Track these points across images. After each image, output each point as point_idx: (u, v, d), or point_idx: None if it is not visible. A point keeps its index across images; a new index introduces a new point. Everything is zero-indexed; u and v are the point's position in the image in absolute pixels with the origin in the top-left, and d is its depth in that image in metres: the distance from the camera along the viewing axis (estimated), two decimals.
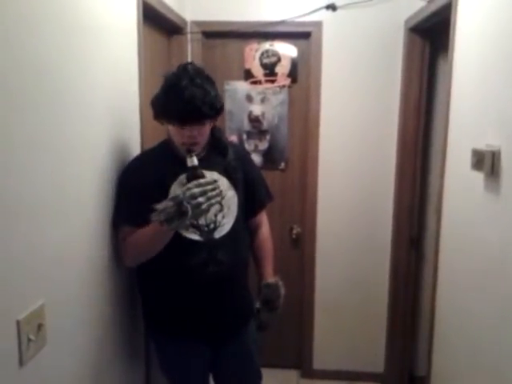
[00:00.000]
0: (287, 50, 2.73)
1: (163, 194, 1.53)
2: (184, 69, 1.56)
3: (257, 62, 2.74)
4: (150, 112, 2.05)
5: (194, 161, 1.50)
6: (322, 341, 2.96)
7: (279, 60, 2.73)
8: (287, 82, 2.75)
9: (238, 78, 2.77)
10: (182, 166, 1.55)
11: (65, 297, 1.31)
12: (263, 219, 1.94)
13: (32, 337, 1.12)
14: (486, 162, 1.45)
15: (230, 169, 1.70)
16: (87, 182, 1.46)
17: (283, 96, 2.77)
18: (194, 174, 1.48)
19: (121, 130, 1.74)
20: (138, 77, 1.89)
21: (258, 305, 1.81)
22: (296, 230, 2.91)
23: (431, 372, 2.05)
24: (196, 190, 1.41)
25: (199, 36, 2.68)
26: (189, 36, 2.65)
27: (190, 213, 1.40)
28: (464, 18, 1.77)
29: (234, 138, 2.81)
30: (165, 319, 1.75)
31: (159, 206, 1.41)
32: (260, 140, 2.82)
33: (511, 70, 1.37)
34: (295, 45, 2.73)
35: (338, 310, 2.93)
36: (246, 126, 2.82)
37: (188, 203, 1.39)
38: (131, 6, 1.83)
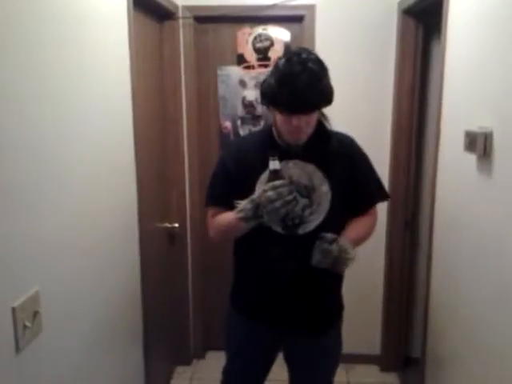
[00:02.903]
0: (280, 34, 2.71)
1: (255, 180, 1.56)
2: (297, 54, 1.45)
3: (250, 47, 2.72)
4: (142, 99, 2.05)
5: (275, 164, 1.45)
6: None
7: (272, 44, 2.71)
8: None
9: (230, 63, 2.75)
10: (279, 154, 1.49)
11: (60, 284, 1.32)
12: (371, 212, 1.76)
13: (28, 324, 1.12)
14: (479, 144, 1.45)
15: (329, 162, 1.60)
16: (83, 172, 1.46)
17: None
18: (274, 178, 1.44)
19: (113, 118, 1.73)
20: (129, 64, 1.87)
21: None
22: None
23: (426, 353, 2.08)
24: (271, 194, 1.39)
25: (191, 21, 2.66)
26: (180, 21, 2.63)
27: (265, 217, 1.44)
28: None
29: (227, 125, 2.80)
30: (244, 299, 1.76)
31: (240, 205, 1.48)
32: (254, 125, 2.81)
33: (503, 51, 1.37)
34: (288, 29, 2.70)
35: None
36: (240, 111, 2.81)
37: (264, 207, 1.40)
38: None
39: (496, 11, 1.43)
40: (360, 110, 2.71)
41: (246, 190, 1.53)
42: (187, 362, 2.98)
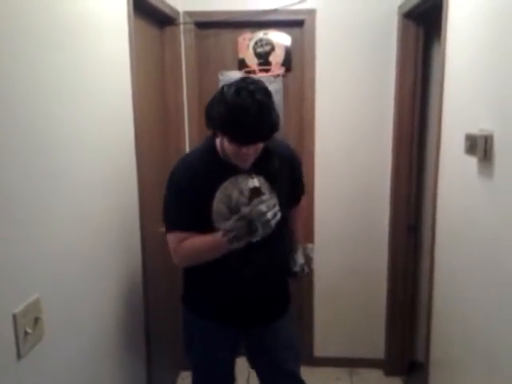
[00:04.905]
0: (281, 39, 2.71)
1: (209, 200, 1.62)
2: (245, 85, 1.48)
3: (250, 52, 2.72)
4: (143, 105, 2.05)
5: (255, 182, 1.56)
6: (323, 328, 2.98)
7: (273, 49, 2.72)
8: (281, 71, 2.74)
9: (231, 68, 2.76)
10: (226, 172, 1.62)
11: (62, 290, 1.32)
12: (302, 204, 2.03)
13: (29, 330, 1.13)
14: (479, 147, 1.45)
15: (274, 174, 1.70)
16: (84, 178, 1.47)
17: (278, 85, 2.75)
18: (255, 195, 1.53)
19: (113, 124, 1.74)
20: (129, 70, 1.88)
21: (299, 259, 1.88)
22: None
23: (430, 358, 2.06)
24: (263, 207, 1.47)
25: (192, 26, 2.67)
26: (181, 27, 2.64)
27: (260, 230, 1.47)
28: (456, 2, 1.76)
29: None
30: (201, 305, 1.80)
31: (227, 226, 1.50)
32: None
33: (503, 54, 1.36)
34: (289, 33, 2.71)
35: (337, 297, 2.95)
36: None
37: (258, 221, 1.46)
38: None
39: (495, 14, 1.43)
40: (361, 113, 2.71)
41: (203, 211, 1.62)
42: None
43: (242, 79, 1.54)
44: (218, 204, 1.63)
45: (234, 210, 1.61)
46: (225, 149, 1.60)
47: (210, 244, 1.59)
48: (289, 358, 1.88)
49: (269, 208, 1.47)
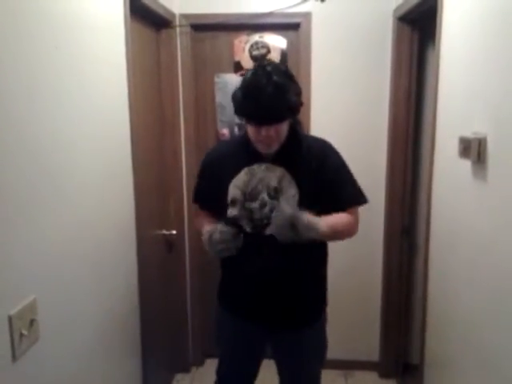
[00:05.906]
0: (277, 42, 2.72)
1: (227, 183, 1.67)
2: (263, 66, 1.52)
3: (246, 54, 2.73)
4: (139, 107, 2.05)
5: (232, 212, 1.65)
6: None
7: (269, 52, 2.73)
8: None
9: (227, 71, 2.77)
10: (251, 158, 1.64)
11: (57, 292, 1.32)
12: (350, 212, 1.74)
13: (24, 332, 1.13)
14: (473, 150, 1.46)
15: (298, 166, 1.66)
16: (81, 180, 1.47)
17: None
18: (230, 221, 1.64)
19: (109, 126, 1.74)
20: (126, 72, 1.88)
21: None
22: None
23: (424, 359, 2.07)
24: (216, 236, 1.59)
25: (188, 29, 2.67)
26: (177, 29, 2.64)
27: (210, 252, 1.63)
28: (450, 6, 1.77)
29: (225, 132, 2.81)
30: (227, 296, 1.84)
31: (207, 233, 1.63)
32: None
33: (497, 57, 1.38)
34: (284, 36, 2.72)
35: (331, 299, 2.92)
36: (238, 118, 2.80)
37: (211, 245, 1.61)
38: (118, 0, 1.82)
39: (490, 18, 1.44)
40: (356, 117, 2.72)
41: (220, 192, 1.68)
42: (186, 370, 2.97)
43: (264, 62, 1.57)
44: (234, 188, 1.66)
45: (248, 196, 1.64)
46: (249, 135, 1.61)
47: (202, 232, 1.68)
48: (312, 368, 1.87)
49: (221, 241, 1.58)
